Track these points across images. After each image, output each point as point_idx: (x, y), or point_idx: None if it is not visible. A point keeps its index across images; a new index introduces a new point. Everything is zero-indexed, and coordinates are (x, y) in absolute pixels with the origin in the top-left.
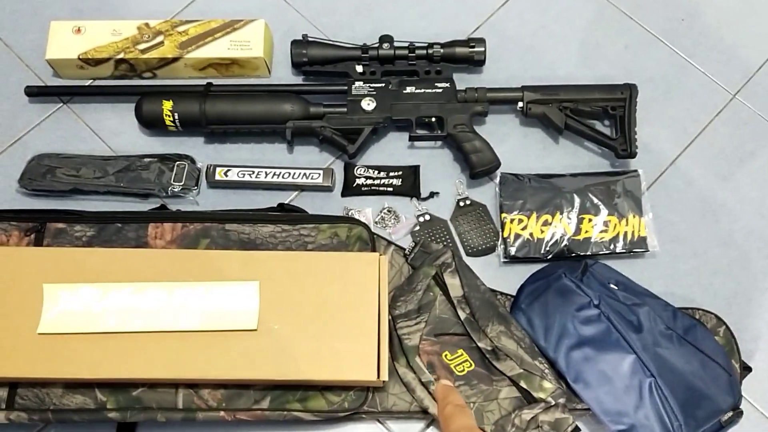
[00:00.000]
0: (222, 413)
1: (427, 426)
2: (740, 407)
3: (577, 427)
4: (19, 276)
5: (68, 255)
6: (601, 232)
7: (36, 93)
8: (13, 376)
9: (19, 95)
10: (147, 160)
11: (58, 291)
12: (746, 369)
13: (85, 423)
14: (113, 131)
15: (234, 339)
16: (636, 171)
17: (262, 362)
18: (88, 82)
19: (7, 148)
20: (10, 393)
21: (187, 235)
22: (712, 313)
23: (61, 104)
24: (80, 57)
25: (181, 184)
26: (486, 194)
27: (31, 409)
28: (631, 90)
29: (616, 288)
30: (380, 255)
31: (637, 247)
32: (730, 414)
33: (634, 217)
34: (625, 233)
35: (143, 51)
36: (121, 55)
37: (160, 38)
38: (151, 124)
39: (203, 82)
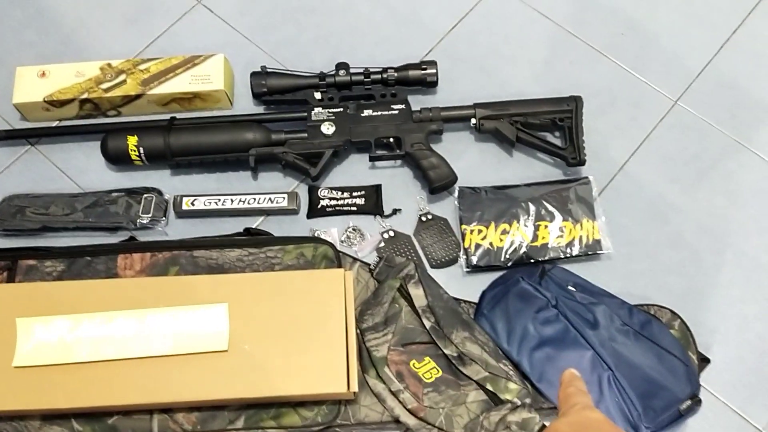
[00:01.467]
0: None
1: None
2: (698, 396)
3: (544, 425)
4: None
5: (40, 289)
6: (558, 237)
7: (4, 137)
8: None
9: None
10: (115, 194)
11: (31, 324)
12: (704, 360)
13: None
14: (81, 169)
15: (206, 361)
16: (587, 178)
17: (235, 382)
18: (54, 124)
19: None
20: None
21: (156, 264)
22: (666, 308)
23: (29, 146)
24: (45, 99)
25: (149, 215)
26: (446, 208)
27: None
28: (576, 102)
29: (573, 290)
30: (345, 271)
31: (592, 250)
32: (688, 402)
33: (587, 221)
34: (581, 237)
35: (107, 90)
36: (85, 95)
37: (122, 77)
38: (118, 159)
39: (167, 116)
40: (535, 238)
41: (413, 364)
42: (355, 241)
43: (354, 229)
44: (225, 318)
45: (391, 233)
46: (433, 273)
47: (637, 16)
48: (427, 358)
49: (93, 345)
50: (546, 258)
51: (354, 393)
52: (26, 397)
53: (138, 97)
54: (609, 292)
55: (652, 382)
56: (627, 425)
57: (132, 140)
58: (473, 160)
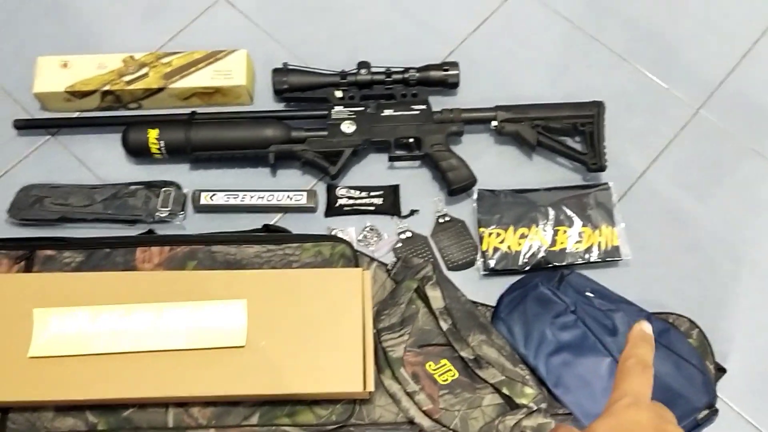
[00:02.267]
0: (212, 430)
1: None
2: (715, 406)
3: None
4: (10, 302)
5: (57, 280)
6: (576, 242)
7: (24, 126)
8: (6, 400)
9: (7, 129)
10: (133, 187)
11: (48, 315)
12: (720, 370)
13: None
14: (100, 161)
15: (223, 356)
16: (606, 184)
17: (251, 378)
18: (75, 115)
19: None
20: (1, 418)
21: (174, 258)
22: (684, 317)
23: (49, 136)
24: (67, 90)
25: (168, 209)
26: (464, 210)
27: None
28: (598, 107)
29: (591, 296)
30: (363, 270)
31: (610, 256)
32: (705, 412)
33: (606, 227)
34: (599, 243)
35: (128, 82)
36: (107, 87)
37: (144, 70)
38: (138, 152)
39: (187, 111)
40: (553, 242)
41: (429, 366)
42: (371, 241)
43: (371, 229)
44: (243, 314)
45: (408, 234)
46: (450, 275)
47: (658, 22)
48: (443, 360)
49: (110, 337)
50: (564, 263)
51: (369, 393)
52: (41, 388)
53: (160, 90)
54: (627, 299)
55: (670, 390)
56: None
57: (153, 133)
58: (492, 163)
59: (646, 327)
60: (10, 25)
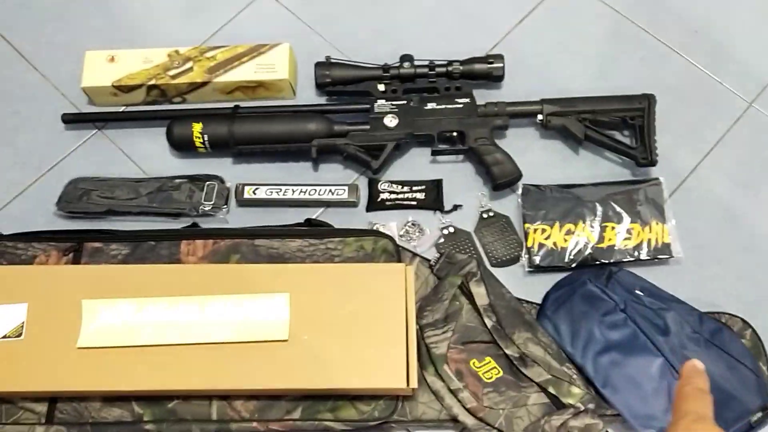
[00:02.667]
0: (255, 424)
1: None
2: None
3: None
4: (59, 293)
5: (105, 272)
6: (625, 239)
7: (72, 120)
8: (55, 390)
9: (56, 123)
10: (178, 181)
11: (96, 306)
12: None
13: None
14: (145, 154)
15: (266, 350)
16: (657, 179)
17: (294, 372)
18: (121, 109)
19: (45, 173)
20: (50, 408)
21: (218, 251)
22: (738, 317)
23: (96, 130)
24: (114, 84)
25: (212, 203)
26: (508, 206)
27: (70, 423)
28: (649, 100)
29: (641, 294)
30: (407, 265)
31: (661, 254)
32: (759, 414)
33: (657, 224)
34: (649, 240)
35: (173, 77)
36: (153, 82)
37: (189, 64)
38: (182, 146)
39: (231, 105)
40: (601, 239)
41: (473, 363)
42: (413, 236)
43: (413, 224)
44: (286, 308)
45: (451, 229)
46: (493, 271)
47: (712, 15)
48: (487, 358)
49: (156, 329)
50: (612, 260)
51: (413, 389)
52: (89, 379)
53: (204, 84)
54: (678, 298)
55: (723, 392)
56: None
57: (197, 127)
58: (537, 158)
59: (697, 363)
60: (62, 20)
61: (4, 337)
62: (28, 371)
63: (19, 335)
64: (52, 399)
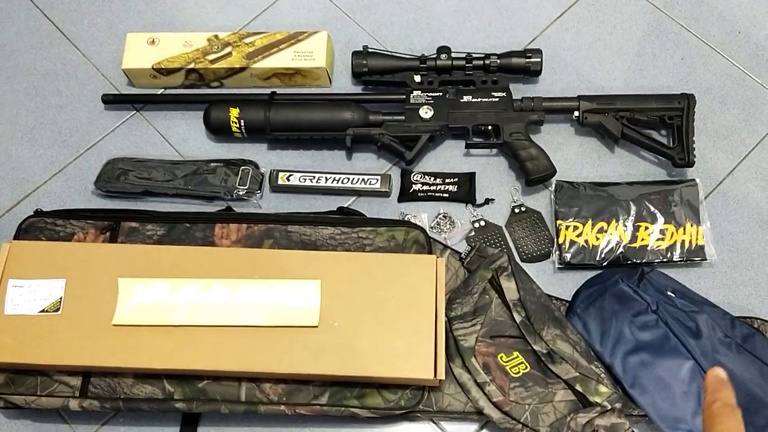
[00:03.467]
0: (282, 407)
1: (481, 427)
2: None
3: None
4: (96, 270)
5: (141, 252)
6: (658, 240)
7: (112, 100)
8: (90, 365)
9: (96, 103)
10: (213, 164)
11: (132, 285)
12: None
13: (153, 412)
14: (182, 137)
15: (296, 335)
16: (693, 180)
17: (323, 358)
18: (159, 91)
19: (83, 152)
20: (83, 382)
21: (251, 236)
22: None
23: (135, 111)
24: (154, 67)
25: (246, 187)
26: (541, 201)
27: (103, 397)
28: (688, 99)
29: (673, 295)
30: (437, 257)
31: (694, 256)
32: None
33: (691, 226)
34: (683, 242)
35: (212, 61)
36: (192, 65)
37: (228, 49)
38: (218, 130)
39: (267, 91)
40: (633, 239)
41: (501, 357)
42: (444, 228)
43: (444, 216)
44: (317, 294)
45: (482, 223)
46: (523, 267)
47: (756, 15)
48: (515, 353)
49: (189, 310)
50: (644, 260)
51: (439, 381)
52: (123, 355)
53: (242, 69)
54: (710, 301)
55: (754, 398)
56: None
57: (234, 112)
58: (572, 154)
59: (720, 372)
60: (104, 2)
61: (43, 311)
62: (65, 345)
63: (57, 310)
64: (87, 374)
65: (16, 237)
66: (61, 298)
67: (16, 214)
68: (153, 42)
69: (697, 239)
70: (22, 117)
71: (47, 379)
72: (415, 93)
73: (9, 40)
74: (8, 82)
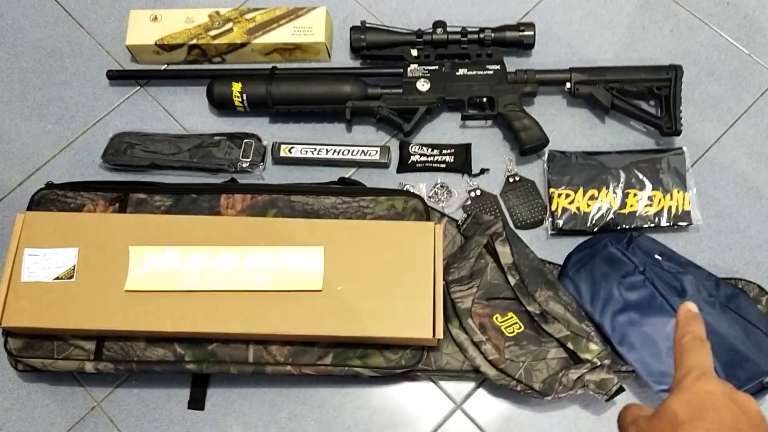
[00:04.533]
0: (289, 368)
1: (478, 386)
2: None
3: (621, 387)
4: (107, 240)
5: (150, 221)
6: (646, 206)
7: (116, 76)
8: (104, 329)
9: (100, 79)
10: (217, 138)
11: (143, 252)
12: None
13: (165, 373)
14: (185, 111)
15: (301, 298)
16: (680, 148)
17: (327, 320)
18: (163, 67)
19: (90, 127)
20: (98, 346)
21: (255, 206)
22: (754, 284)
23: (139, 87)
24: (157, 43)
25: (249, 159)
26: (534, 171)
27: (117, 360)
28: (676, 70)
29: (660, 258)
30: (436, 224)
31: (681, 221)
32: None
33: (678, 192)
34: (670, 207)
35: (214, 37)
36: (194, 41)
37: (229, 25)
38: (221, 104)
39: (268, 66)
40: (623, 205)
41: (496, 318)
42: (442, 198)
43: (442, 186)
44: (321, 260)
45: (478, 192)
46: (518, 233)
47: None
48: (510, 313)
49: (199, 276)
50: (633, 226)
51: (438, 340)
52: (135, 319)
53: (243, 45)
54: (696, 264)
55: (737, 352)
56: None
57: (236, 87)
58: (564, 125)
59: (691, 306)
60: None
61: (57, 278)
62: (79, 311)
63: (71, 277)
64: (101, 338)
65: (29, 209)
66: (74, 266)
67: (27, 187)
68: (155, 18)
69: (683, 205)
70: (29, 94)
71: (63, 343)
72: (412, 67)
73: (15, 20)
74: (16, 60)
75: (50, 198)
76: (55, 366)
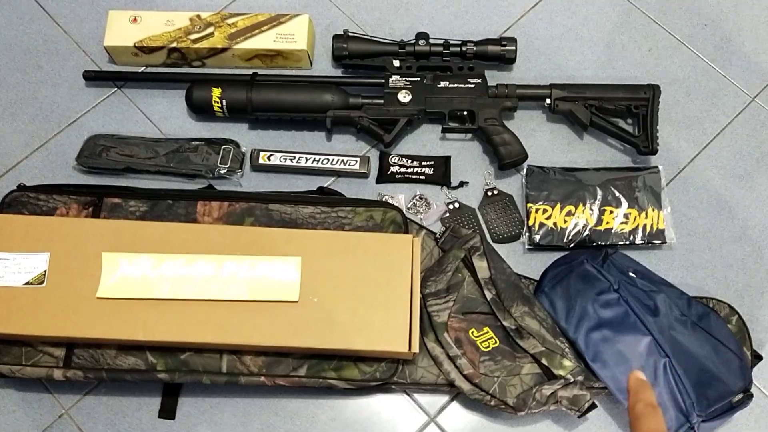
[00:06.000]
0: (262, 378)
1: (452, 399)
2: (750, 391)
3: (593, 403)
4: (80, 245)
5: (124, 227)
6: (622, 223)
7: (93, 77)
8: (74, 336)
9: (76, 79)
10: (195, 143)
11: (116, 259)
12: (757, 357)
13: (136, 382)
14: (163, 115)
15: (276, 309)
16: (656, 167)
17: (302, 331)
18: (141, 69)
19: (65, 128)
20: (67, 353)
21: (232, 213)
22: (725, 303)
23: (116, 89)
24: (136, 45)
25: (227, 166)
26: (512, 185)
27: (87, 368)
28: (654, 90)
29: (634, 276)
30: (414, 237)
31: (655, 239)
32: (740, 396)
33: (653, 210)
34: (645, 225)
35: (195, 41)
36: (174, 44)
37: (210, 29)
38: (200, 109)
39: (249, 71)
40: (599, 222)
41: (472, 333)
42: (420, 209)
43: (421, 198)
44: (298, 271)
45: (457, 204)
46: (495, 247)
47: (722, 9)
48: (485, 328)
49: (173, 284)
50: (608, 243)
51: (414, 354)
52: (107, 327)
53: (224, 50)
54: (668, 282)
55: (707, 372)
56: (678, 412)
57: (216, 92)
58: (543, 140)
59: (639, 375)
60: None
61: (27, 283)
62: (49, 317)
63: (41, 283)
64: (70, 345)
65: (0, 211)
66: (45, 271)
67: None
68: (135, 20)
69: (658, 223)
70: (2, 92)
71: (32, 349)
72: (394, 77)
73: None
74: None
75: (22, 200)
76: (22, 372)
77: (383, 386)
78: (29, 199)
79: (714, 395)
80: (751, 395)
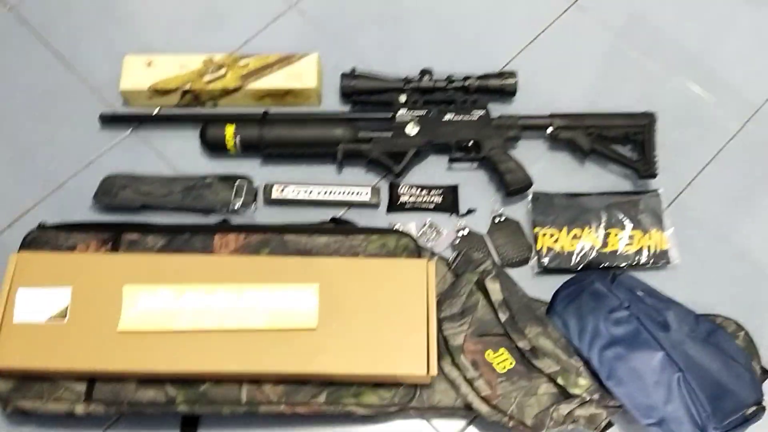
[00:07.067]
0: (282, 407)
1: (469, 423)
2: (763, 403)
3: (610, 422)
4: (101, 279)
5: (144, 260)
6: (627, 245)
7: (110, 120)
8: (97, 369)
9: (92, 122)
10: (209, 179)
11: (137, 292)
12: (766, 372)
13: (156, 415)
14: (177, 154)
15: (295, 337)
16: (656, 190)
17: (322, 357)
18: (155, 110)
19: (82, 169)
20: (88, 387)
21: (248, 245)
22: (731, 320)
23: (131, 130)
24: (151, 88)
25: (241, 200)
26: (519, 211)
27: (107, 402)
28: (650, 117)
29: (642, 295)
30: (428, 261)
31: (659, 260)
32: (753, 408)
33: (656, 231)
34: (649, 246)
35: (208, 82)
36: (188, 86)
37: (223, 71)
38: (215, 147)
39: (260, 110)
40: (605, 244)
41: (488, 354)
42: (431, 237)
43: (430, 225)
44: (315, 298)
45: (466, 231)
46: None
47: (710, 42)
48: (502, 349)
49: (193, 315)
50: (614, 264)
51: (432, 377)
52: (129, 360)
53: (236, 90)
54: (675, 300)
55: (720, 385)
56: (694, 426)
57: (230, 130)
58: (546, 168)
59: None
60: (99, 25)
61: (50, 318)
62: (72, 351)
63: (64, 317)
64: (91, 379)
65: (21, 249)
66: (67, 306)
67: (16, 229)
68: (150, 64)
69: (661, 244)
70: (21, 135)
71: (53, 384)
72: (401, 111)
73: (7, 63)
74: (7, 102)
75: (42, 239)
76: (45, 408)
77: (401, 411)
78: (49, 238)
79: (729, 408)
80: (764, 408)
